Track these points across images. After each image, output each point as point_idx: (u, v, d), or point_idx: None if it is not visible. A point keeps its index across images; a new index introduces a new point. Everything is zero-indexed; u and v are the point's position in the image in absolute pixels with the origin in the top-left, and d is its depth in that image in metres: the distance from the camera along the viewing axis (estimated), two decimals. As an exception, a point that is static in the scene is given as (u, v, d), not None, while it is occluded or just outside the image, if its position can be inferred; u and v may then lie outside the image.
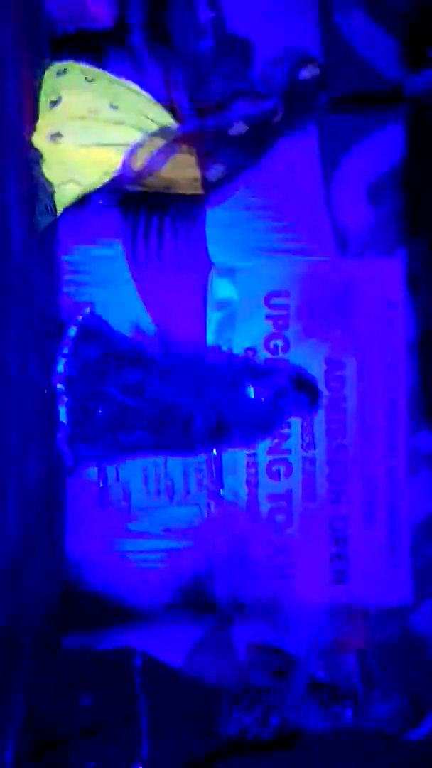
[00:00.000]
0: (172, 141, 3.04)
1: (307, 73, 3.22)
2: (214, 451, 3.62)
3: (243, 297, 3.77)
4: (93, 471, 3.62)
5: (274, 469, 3.78)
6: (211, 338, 3.74)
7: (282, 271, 3.80)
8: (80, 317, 3.28)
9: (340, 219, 3.81)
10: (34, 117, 2.98)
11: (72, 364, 3.17)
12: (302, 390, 3.38)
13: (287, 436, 3.77)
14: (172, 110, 3.18)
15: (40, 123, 2.98)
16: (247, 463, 3.76)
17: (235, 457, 3.73)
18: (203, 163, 3.10)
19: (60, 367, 3.15)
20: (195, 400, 3.28)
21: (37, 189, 2.93)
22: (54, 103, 3.01)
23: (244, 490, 3.77)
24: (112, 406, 3.20)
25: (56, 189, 2.99)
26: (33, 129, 2.95)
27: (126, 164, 3.01)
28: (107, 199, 3.31)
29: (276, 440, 3.76)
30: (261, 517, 3.77)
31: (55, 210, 3.03)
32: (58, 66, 3.09)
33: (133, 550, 3.70)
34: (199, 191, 3.21)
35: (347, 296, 3.83)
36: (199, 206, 3.66)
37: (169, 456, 3.64)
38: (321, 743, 3.15)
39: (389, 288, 3.84)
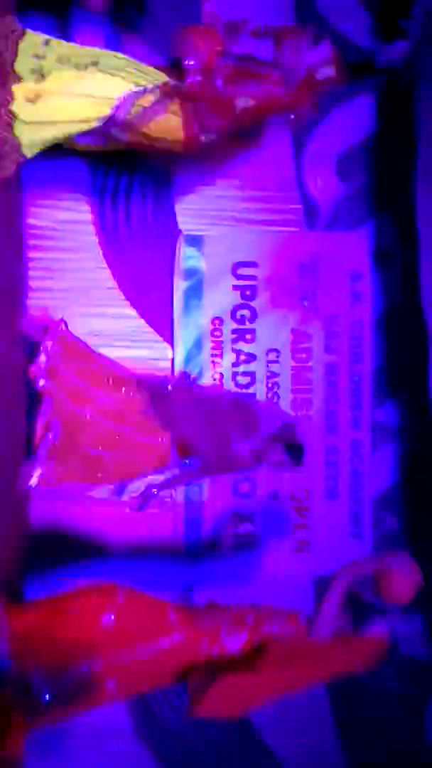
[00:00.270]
0: (170, 92, 3.01)
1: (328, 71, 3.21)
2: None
3: (210, 266, 3.75)
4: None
5: (238, 438, 3.79)
6: (177, 306, 3.72)
7: (250, 241, 3.79)
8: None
9: (309, 190, 3.81)
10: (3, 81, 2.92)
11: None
12: (285, 450, 3.28)
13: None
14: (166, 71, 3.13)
15: (18, 91, 2.92)
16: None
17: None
18: (194, 122, 3.06)
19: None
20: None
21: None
22: (35, 72, 2.95)
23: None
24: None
25: (30, 130, 2.94)
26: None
27: (121, 107, 2.96)
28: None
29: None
30: (226, 485, 3.77)
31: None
32: (38, 38, 3.02)
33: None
34: (180, 151, 3.18)
35: (315, 268, 3.83)
36: (168, 172, 3.63)
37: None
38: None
39: (357, 261, 3.85)
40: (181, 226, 3.72)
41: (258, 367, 3.79)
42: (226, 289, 3.78)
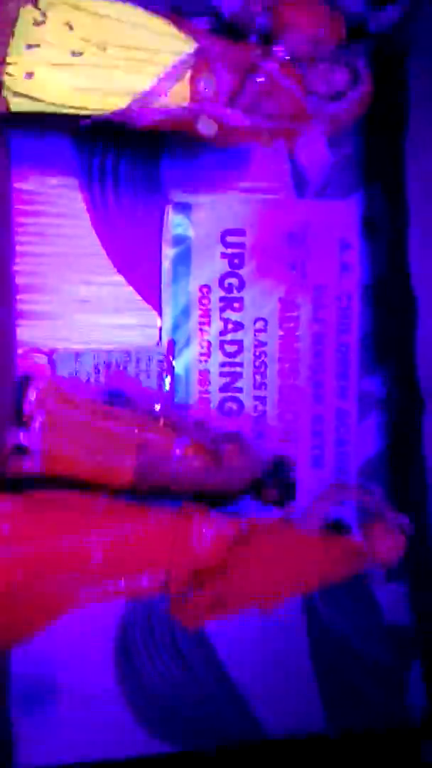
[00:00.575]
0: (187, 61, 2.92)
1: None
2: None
3: (198, 234, 3.74)
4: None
5: (226, 407, 3.80)
6: (165, 274, 3.71)
7: (238, 209, 3.77)
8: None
9: (298, 158, 3.77)
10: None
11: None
12: (275, 487, 3.33)
13: (239, 375, 3.79)
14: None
15: (12, 65, 2.83)
16: (199, 399, 3.77)
17: (187, 394, 3.75)
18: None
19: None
20: None
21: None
22: (30, 46, 2.87)
23: (195, 428, 3.77)
24: None
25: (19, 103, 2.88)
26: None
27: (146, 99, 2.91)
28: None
29: (228, 379, 3.78)
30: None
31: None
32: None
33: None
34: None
35: (303, 237, 3.82)
36: (157, 139, 3.59)
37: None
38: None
39: (345, 230, 3.84)
40: (169, 193, 3.70)
41: (245, 336, 3.79)
42: (214, 257, 3.76)
